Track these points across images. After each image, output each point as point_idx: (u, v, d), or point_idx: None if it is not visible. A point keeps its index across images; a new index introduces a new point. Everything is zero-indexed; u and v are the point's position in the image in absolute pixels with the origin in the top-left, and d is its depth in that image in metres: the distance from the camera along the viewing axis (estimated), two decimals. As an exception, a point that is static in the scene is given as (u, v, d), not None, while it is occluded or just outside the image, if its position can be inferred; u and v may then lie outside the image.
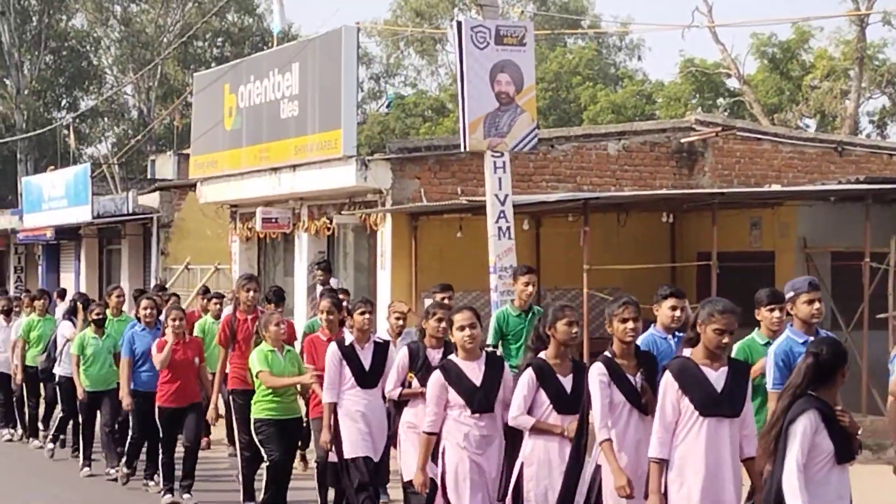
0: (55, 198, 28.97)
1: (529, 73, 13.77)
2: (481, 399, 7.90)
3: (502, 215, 13.60)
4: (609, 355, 7.31)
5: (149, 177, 36.63)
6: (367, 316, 9.71)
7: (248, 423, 10.69)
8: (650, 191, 17.62)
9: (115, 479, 13.00)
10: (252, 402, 10.56)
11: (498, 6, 14.83)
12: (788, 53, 39.61)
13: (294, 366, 10.48)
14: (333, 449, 9.68)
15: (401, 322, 10.47)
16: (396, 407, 9.32)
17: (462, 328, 7.95)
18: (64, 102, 53.30)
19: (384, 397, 9.62)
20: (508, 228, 13.66)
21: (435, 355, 8.99)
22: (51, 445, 14.95)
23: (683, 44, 71.89)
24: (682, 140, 18.82)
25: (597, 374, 7.21)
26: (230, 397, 11.72)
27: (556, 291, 17.93)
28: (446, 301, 10.74)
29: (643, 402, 7.19)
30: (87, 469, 13.54)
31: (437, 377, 7.99)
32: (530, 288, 10.69)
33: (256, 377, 10.36)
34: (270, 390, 10.28)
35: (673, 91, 42.15)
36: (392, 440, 9.68)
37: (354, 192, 17.89)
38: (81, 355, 13.34)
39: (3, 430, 17.03)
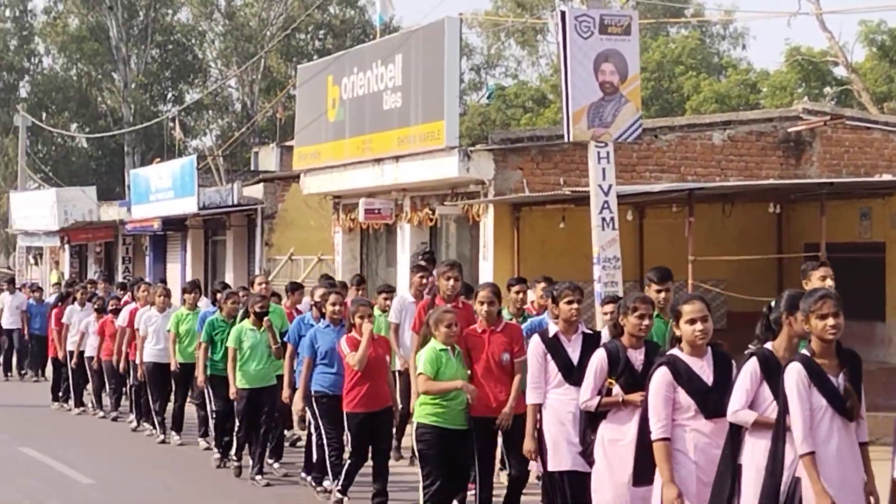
0: (162, 189, 29.40)
1: (634, 63, 13.64)
2: (716, 401, 6.91)
3: (606, 206, 13.48)
4: (808, 354, 6.49)
5: (252, 169, 37.06)
6: (574, 305, 8.78)
7: None
8: (756, 181, 17.37)
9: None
10: (417, 402, 9.51)
11: (602, -5, 14.70)
12: (898, 41, 38.77)
13: (464, 367, 9.37)
14: (538, 459, 8.79)
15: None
16: (590, 420, 8.04)
17: (692, 321, 7.05)
18: (169, 95, 54.24)
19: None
20: (612, 219, 13.54)
21: (637, 356, 7.95)
22: (234, 460, 13.10)
23: (789, 32, 70.86)
24: (790, 129, 18.51)
25: (794, 376, 6.41)
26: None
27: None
28: (663, 294, 9.06)
29: (847, 406, 6.42)
30: (259, 477, 12.36)
31: (663, 374, 7.03)
32: (829, 281, 8.50)
33: (416, 378, 9.35)
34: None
35: (778, 80, 41.45)
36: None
37: (457, 183, 17.90)
38: (238, 349, 12.41)
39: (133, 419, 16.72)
